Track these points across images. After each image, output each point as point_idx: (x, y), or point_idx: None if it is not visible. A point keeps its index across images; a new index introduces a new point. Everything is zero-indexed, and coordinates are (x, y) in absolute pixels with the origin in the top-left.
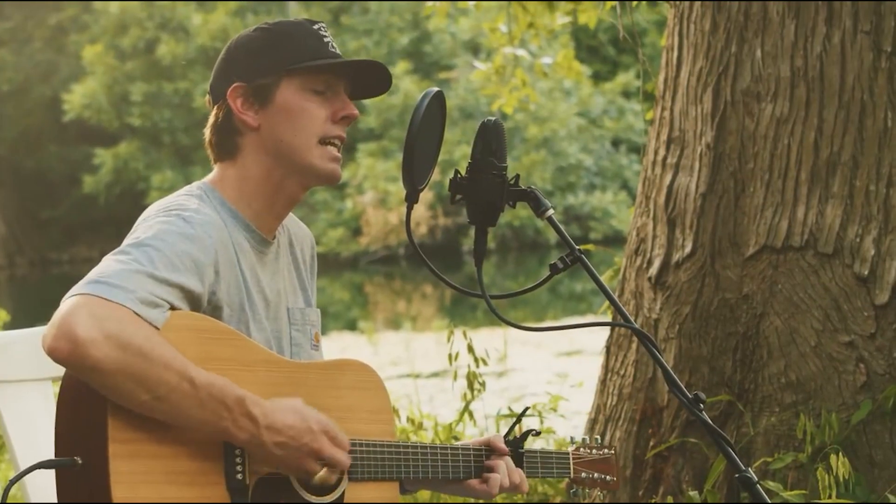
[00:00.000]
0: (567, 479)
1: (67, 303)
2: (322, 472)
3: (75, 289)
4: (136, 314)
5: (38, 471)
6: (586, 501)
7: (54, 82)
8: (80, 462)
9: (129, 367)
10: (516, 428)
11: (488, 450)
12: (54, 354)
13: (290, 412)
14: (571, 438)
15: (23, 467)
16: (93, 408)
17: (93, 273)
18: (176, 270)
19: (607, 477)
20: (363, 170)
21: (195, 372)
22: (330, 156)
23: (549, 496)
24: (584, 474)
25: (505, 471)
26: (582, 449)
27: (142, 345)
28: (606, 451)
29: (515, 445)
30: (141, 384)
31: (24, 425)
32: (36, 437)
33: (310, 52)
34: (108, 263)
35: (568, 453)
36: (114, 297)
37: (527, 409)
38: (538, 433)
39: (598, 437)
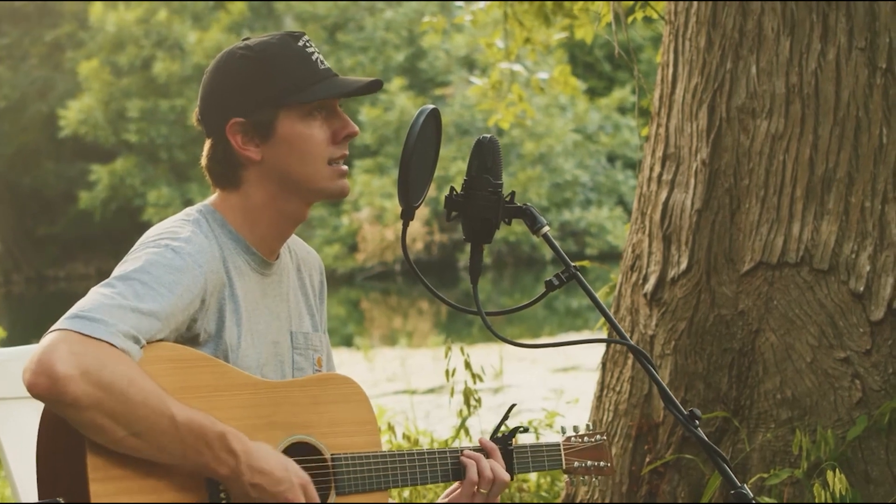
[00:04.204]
0: (560, 471)
1: (47, 338)
2: None
3: (57, 323)
4: (117, 348)
5: (28, 475)
6: (584, 502)
7: (50, 99)
8: (62, 503)
9: (105, 403)
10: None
11: (478, 448)
12: (33, 390)
13: (274, 458)
14: (562, 428)
15: (18, 484)
16: (71, 447)
17: (75, 307)
18: (161, 301)
19: (601, 463)
20: (359, 186)
21: (175, 407)
22: (339, 172)
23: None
24: (576, 464)
25: (475, 469)
26: (573, 438)
27: (119, 381)
28: (599, 437)
29: (504, 442)
30: (118, 421)
31: (20, 443)
32: (32, 454)
33: (304, 78)
34: (93, 297)
35: (558, 444)
36: (94, 332)
37: (513, 405)
38: (525, 429)
39: (591, 423)
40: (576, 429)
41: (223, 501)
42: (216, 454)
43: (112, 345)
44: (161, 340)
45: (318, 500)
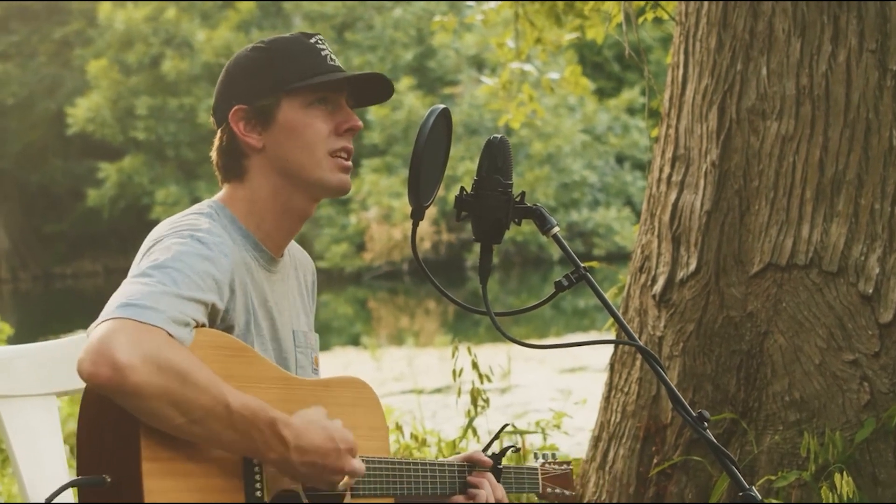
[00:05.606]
0: (536, 494)
1: (102, 327)
2: (344, 481)
3: (106, 314)
4: (171, 335)
5: (35, 473)
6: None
7: (59, 96)
8: (108, 480)
9: (167, 391)
10: (496, 444)
11: (470, 465)
12: (94, 380)
13: (320, 432)
14: (535, 454)
15: (26, 481)
16: (121, 427)
17: (120, 297)
18: (199, 289)
19: (567, 492)
20: (367, 185)
21: (230, 394)
22: (340, 166)
23: None
24: (549, 489)
25: (489, 487)
26: (546, 465)
27: (179, 368)
28: (566, 466)
29: (495, 461)
30: (178, 408)
31: (27, 440)
32: (40, 451)
33: (308, 69)
34: (133, 287)
35: (537, 469)
36: (147, 318)
37: (505, 425)
38: (518, 449)
39: (554, 453)
40: (545, 456)
41: (258, 485)
42: (266, 440)
43: (167, 332)
44: (203, 325)
45: (359, 459)
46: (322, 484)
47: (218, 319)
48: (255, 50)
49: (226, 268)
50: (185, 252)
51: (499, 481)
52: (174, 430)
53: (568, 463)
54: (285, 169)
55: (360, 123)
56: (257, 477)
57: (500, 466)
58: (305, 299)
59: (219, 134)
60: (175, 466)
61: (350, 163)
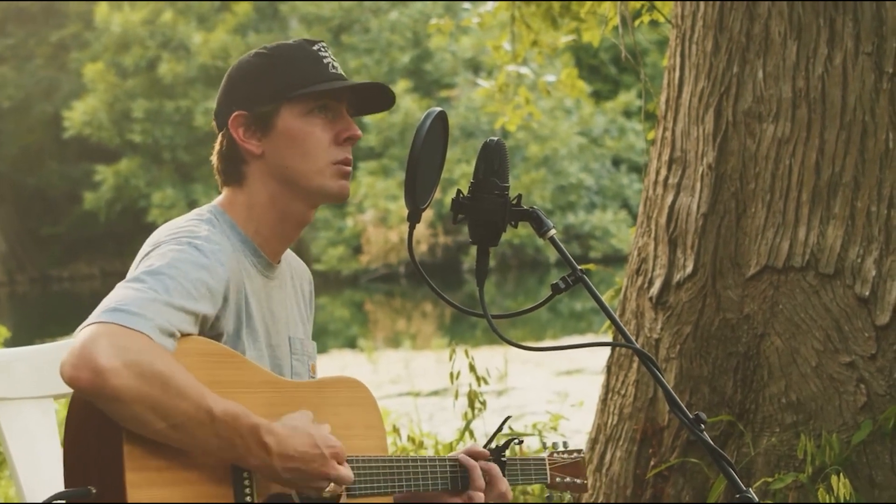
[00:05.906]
0: (544, 485)
1: (87, 331)
2: (330, 488)
3: (93, 317)
4: (155, 342)
5: (33, 475)
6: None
7: (55, 99)
8: (94, 492)
9: (148, 396)
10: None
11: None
12: (75, 383)
13: (303, 437)
14: (544, 444)
15: (24, 484)
16: (105, 436)
17: (110, 301)
18: (191, 298)
19: (577, 480)
20: (364, 188)
21: (212, 400)
22: (340, 172)
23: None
24: (558, 479)
25: (480, 475)
26: (555, 454)
27: (161, 373)
28: (577, 454)
29: (498, 454)
30: (158, 413)
31: (25, 443)
32: (37, 454)
33: (309, 77)
34: (125, 291)
35: (544, 459)
36: (133, 324)
37: (509, 417)
38: (520, 441)
39: (566, 441)
40: (555, 445)
41: (247, 492)
42: (248, 446)
43: (151, 338)
44: (189, 335)
45: (347, 466)
46: (307, 489)
47: (207, 326)
48: (257, 56)
49: (221, 276)
50: (180, 259)
51: (503, 473)
52: (156, 436)
53: (580, 451)
54: (285, 176)
55: (360, 133)
56: (246, 482)
57: (504, 459)
58: (302, 308)
59: (219, 138)
60: (161, 476)
61: (350, 168)
